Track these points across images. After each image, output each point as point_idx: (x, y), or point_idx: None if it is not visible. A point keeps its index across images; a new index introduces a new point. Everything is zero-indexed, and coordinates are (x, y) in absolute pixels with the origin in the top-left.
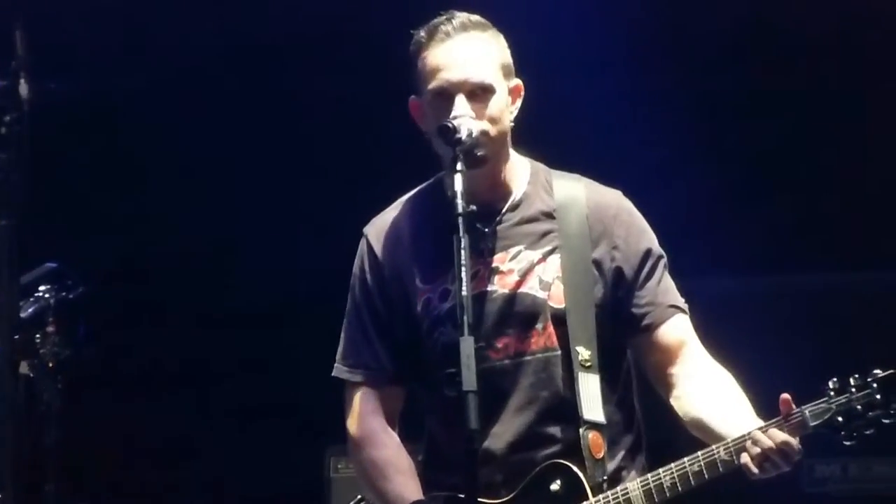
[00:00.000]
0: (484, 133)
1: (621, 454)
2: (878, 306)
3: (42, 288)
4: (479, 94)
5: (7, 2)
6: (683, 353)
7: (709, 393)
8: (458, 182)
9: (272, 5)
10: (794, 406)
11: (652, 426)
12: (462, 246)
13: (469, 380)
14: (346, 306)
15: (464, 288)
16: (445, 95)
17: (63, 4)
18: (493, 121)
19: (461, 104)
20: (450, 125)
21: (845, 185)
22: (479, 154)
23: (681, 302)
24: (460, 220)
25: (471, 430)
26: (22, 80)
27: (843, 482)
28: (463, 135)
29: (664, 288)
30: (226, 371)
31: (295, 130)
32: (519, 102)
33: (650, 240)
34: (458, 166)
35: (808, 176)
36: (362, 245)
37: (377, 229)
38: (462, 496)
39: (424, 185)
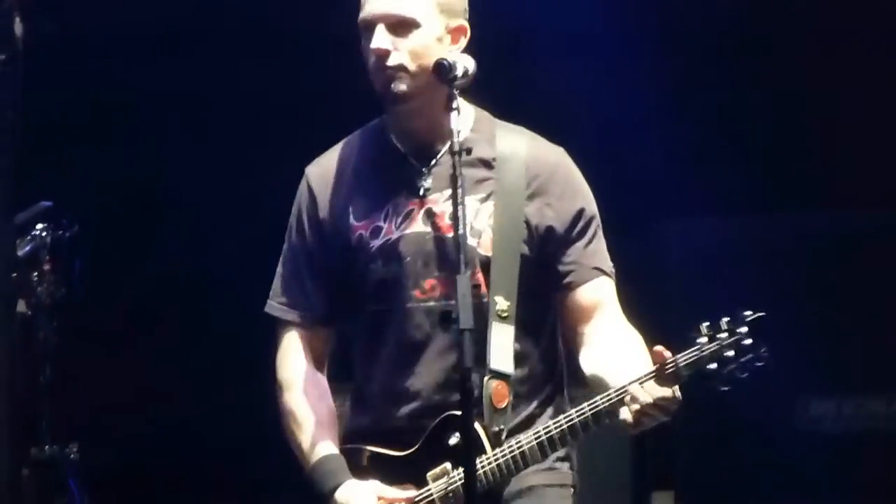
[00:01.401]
0: (401, 67)
1: (534, 404)
2: (855, 245)
3: (38, 227)
4: (401, 28)
5: None
6: (597, 314)
7: (611, 352)
8: (454, 120)
9: None
10: (666, 356)
11: None
12: (459, 184)
13: (465, 318)
14: (283, 244)
15: (461, 227)
16: (369, 27)
17: None
18: (414, 55)
19: (380, 34)
20: (445, 62)
21: (819, 125)
22: (397, 91)
23: (607, 266)
24: (455, 157)
25: (465, 368)
26: (16, 20)
27: (837, 420)
28: (459, 72)
29: (592, 250)
30: (221, 310)
31: (296, 66)
32: (462, 43)
33: (585, 200)
34: (454, 105)
35: (786, 117)
36: (302, 184)
37: (317, 169)
38: (377, 452)
39: (366, 126)
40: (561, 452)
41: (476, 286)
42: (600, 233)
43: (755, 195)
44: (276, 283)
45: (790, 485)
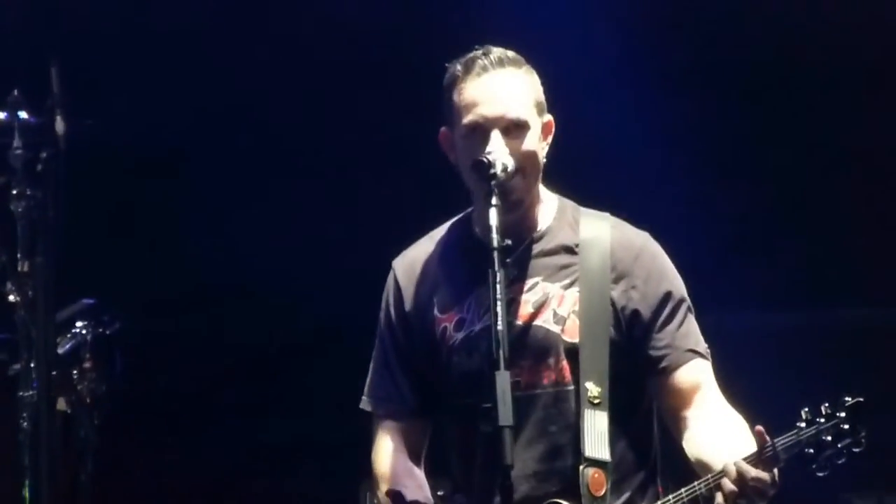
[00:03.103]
0: (518, 171)
1: (629, 492)
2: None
3: (79, 324)
4: (514, 130)
5: (43, 39)
6: (698, 397)
7: (716, 438)
8: (493, 217)
9: (305, 38)
10: (767, 439)
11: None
12: (497, 280)
13: (505, 415)
14: (375, 338)
15: (499, 322)
16: (480, 130)
17: (100, 42)
18: (527, 158)
19: (496, 140)
20: (485, 160)
21: (859, 223)
22: (513, 199)
23: (702, 347)
24: (495, 254)
25: (505, 466)
26: (58, 118)
27: None
28: (498, 169)
29: (684, 332)
30: (258, 408)
31: (330, 164)
32: (550, 139)
33: (671, 283)
34: (494, 201)
35: (826, 213)
36: (390, 277)
37: (404, 262)
38: None
39: (454, 218)
40: None
41: (559, 374)
42: (691, 315)
43: (796, 290)
44: (370, 378)
45: None
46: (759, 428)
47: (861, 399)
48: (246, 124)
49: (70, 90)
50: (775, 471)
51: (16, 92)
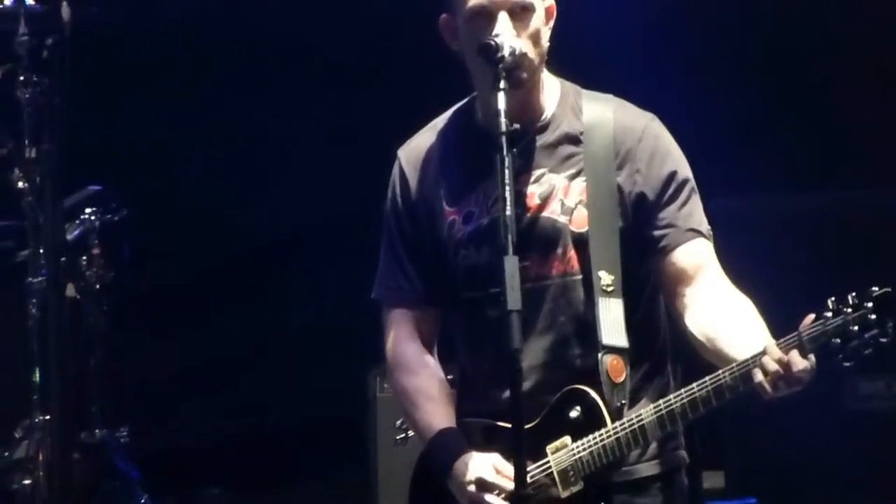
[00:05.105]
0: (525, 54)
1: (638, 377)
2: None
3: (87, 210)
4: (520, 13)
5: None
6: (700, 277)
7: (723, 318)
8: (502, 100)
9: None
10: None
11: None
12: (506, 165)
13: (513, 299)
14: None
15: (507, 207)
16: (486, 13)
17: None
18: (533, 40)
19: (504, 22)
20: (492, 42)
21: (856, 106)
22: (521, 76)
23: (704, 227)
24: (503, 138)
25: (513, 350)
26: (63, 4)
27: (886, 399)
28: (506, 52)
29: (686, 212)
30: (269, 293)
31: (336, 56)
32: (552, 23)
33: (675, 163)
34: (502, 84)
35: (820, 97)
36: (395, 167)
37: (409, 151)
38: (494, 423)
39: (457, 105)
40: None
41: (565, 265)
42: (695, 196)
43: (801, 172)
44: (380, 269)
45: (839, 464)
46: (811, 317)
47: (889, 290)
48: (254, 11)
49: None
50: (812, 356)
51: None
